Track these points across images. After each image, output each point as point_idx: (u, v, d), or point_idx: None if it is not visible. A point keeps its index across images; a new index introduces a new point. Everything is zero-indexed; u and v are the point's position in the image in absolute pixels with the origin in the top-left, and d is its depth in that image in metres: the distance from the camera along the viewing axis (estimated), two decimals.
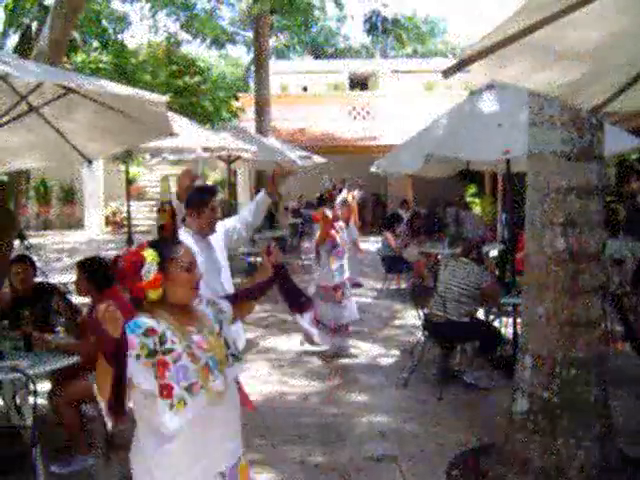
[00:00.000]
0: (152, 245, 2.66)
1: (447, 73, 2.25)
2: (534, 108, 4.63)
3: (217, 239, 5.05)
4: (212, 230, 4.92)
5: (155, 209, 22.18)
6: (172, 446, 2.57)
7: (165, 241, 2.93)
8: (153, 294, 2.59)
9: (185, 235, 4.53)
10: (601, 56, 2.78)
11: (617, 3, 2.33)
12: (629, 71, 3.01)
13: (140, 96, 4.41)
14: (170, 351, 2.54)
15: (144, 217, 22.30)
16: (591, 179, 4.48)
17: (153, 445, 2.60)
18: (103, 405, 2.49)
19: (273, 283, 3.21)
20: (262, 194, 5.07)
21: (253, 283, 3.26)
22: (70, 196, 23.53)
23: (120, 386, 2.43)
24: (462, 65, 2.21)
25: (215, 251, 4.99)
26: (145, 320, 2.56)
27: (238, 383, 3.01)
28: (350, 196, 8.19)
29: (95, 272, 5.12)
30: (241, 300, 3.16)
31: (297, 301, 3.33)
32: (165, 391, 2.50)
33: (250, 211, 5.14)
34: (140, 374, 2.48)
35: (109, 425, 2.67)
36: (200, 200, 4.84)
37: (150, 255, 2.59)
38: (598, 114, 3.31)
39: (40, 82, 4.72)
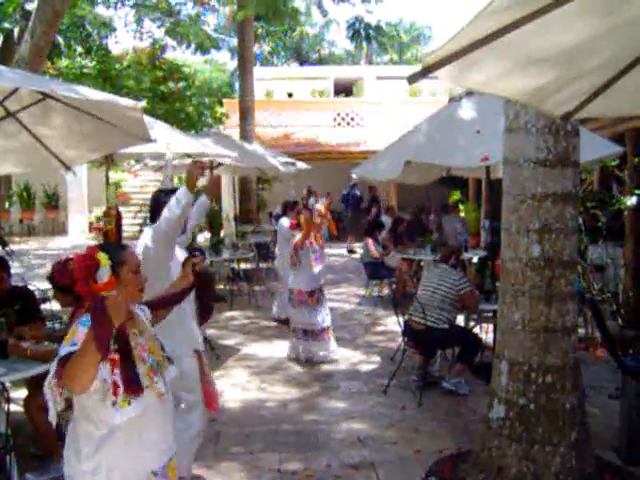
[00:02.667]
0: (102, 249, 2.75)
1: (412, 79, 2.24)
2: (510, 114, 4.64)
3: None
4: None
5: (139, 215, 22.13)
6: (109, 442, 2.65)
7: (113, 245, 3.04)
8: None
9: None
10: (571, 61, 2.76)
11: (586, 6, 2.31)
12: (605, 74, 2.97)
13: (115, 102, 4.39)
14: None
15: (129, 223, 22.18)
16: (567, 185, 4.50)
17: (90, 441, 2.67)
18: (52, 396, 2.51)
19: (190, 291, 3.33)
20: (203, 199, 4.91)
21: (172, 291, 3.37)
22: (54, 202, 23.41)
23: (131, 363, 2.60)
24: (427, 71, 2.20)
25: None
26: None
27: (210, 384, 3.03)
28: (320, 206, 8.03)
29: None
30: (159, 307, 3.23)
31: (209, 313, 3.45)
32: (112, 388, 2.59)
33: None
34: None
35: (51, 416, 2.62)
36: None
37: (103, 258, 2.67)
38: (569, 120, 3.30)
39: (16, 87, 4.70)
